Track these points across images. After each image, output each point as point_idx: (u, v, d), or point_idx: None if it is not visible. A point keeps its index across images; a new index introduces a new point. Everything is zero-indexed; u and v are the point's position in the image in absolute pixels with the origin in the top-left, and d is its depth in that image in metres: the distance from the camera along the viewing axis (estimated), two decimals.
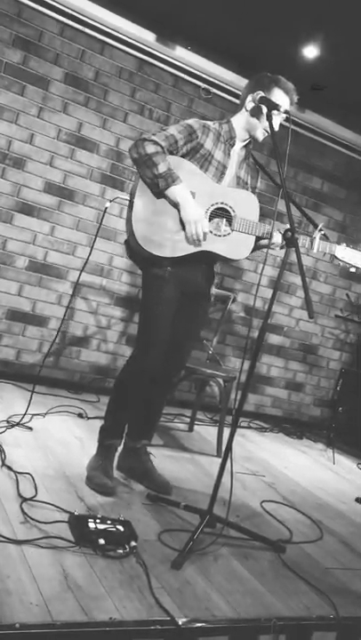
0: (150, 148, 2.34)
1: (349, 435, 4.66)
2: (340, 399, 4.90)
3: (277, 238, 2.44)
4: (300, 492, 3.28)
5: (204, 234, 2.40)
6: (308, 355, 5.09)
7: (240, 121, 2.52)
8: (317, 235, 2.46)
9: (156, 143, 2.36)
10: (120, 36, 3.99)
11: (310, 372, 5.12)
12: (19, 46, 3.79)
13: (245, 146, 2.57)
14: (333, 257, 2.51)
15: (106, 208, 3.51)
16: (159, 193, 2.39)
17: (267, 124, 2.40)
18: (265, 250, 2.51)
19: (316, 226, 2.50)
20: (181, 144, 2.42)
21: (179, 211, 2.40)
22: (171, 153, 2.40)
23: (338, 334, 5.20)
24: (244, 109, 2.50)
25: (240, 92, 2.59)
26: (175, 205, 2.40)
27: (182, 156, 2.44)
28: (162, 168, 2.34)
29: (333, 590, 2.17)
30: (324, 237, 2.52)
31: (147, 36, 4.02)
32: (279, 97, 2.43)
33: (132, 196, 2.44)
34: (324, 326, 5.13)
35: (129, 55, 4.09)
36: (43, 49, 3.86)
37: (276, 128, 2.37)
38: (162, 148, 2.36)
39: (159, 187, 2.36)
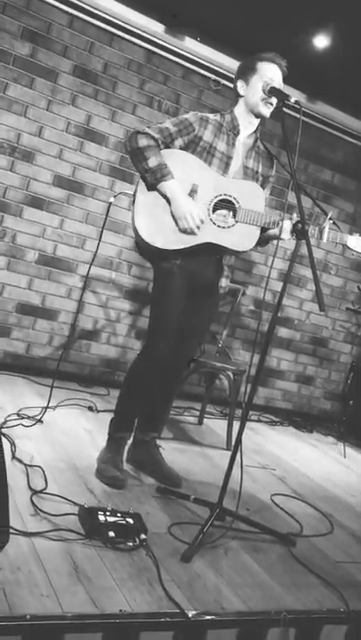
0: (142, 142, 2.33)
1: (360, 428, 4.63)
2: (350, 393, 4.87)
3: (287, 225, 2.36)
4: (310, 485, 3.28)
5: (204, 223, 2.36)
6: (318, 348, 5.06)
7: (240, 107, 2.49)
8: (327, 224, 2.41)
9: (149, 136, 2.34)
10: (129, 27, 3.96)
11: (321, 365, 5.10)
12: (27, 38, 3.78)
13: (254, 132, 2.53)
14: (346, 247, 2.47)
15: (110, 203, 3.49)
16: (150, 187, 2.38)
17: (264, 94, 2.38)
18: (275, 241, 2.49)
19: (326, 214, 2.44)
20: (176, 136, 2.40)
21: (170, 206, 2.38)
22: (166, 146, 2.39)
23: (349, 327, 5.16)
24: (238, 96, 2.49)
25: None
26: (167, 200, 2.38)
27: (181, 149, 2.42)
28: (152, 162, 2.32)
29: (344, 584, 2.16)
30: (335, 227, 2.47)
31: (156, 27, 3.99)
32: (267, 69, 2.41)
33: (136, 190, 2.43)
34: (335, 319, 5.10)
35: (138, 47, 4.06)
36: (51, 41, 3.84)
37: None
38: (155, 140, 2.35)
39: (147, 181, 2.35)
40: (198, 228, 2.37)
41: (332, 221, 2.43)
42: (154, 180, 2.34)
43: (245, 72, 2.45)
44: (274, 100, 2.40)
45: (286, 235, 2.37)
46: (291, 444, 4.10)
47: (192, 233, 2.37)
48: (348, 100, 4.53)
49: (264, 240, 2.58)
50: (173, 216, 2.38)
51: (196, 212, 2.35)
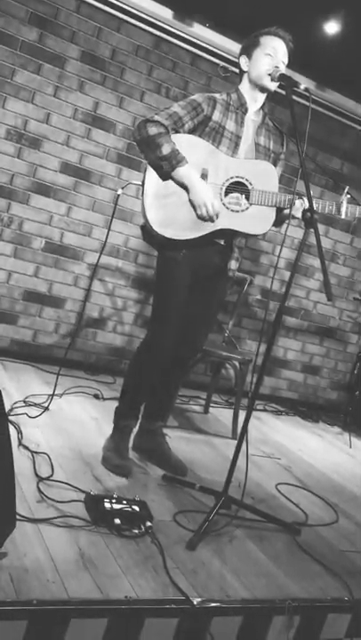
0: (153, 130, 2.29)
1: None
2: (357, 383, 4.86)
3: (298, 204, 2.31)
4: (315, 475, 3.28)
5: (218, 213, 2.33)
6: (325, 338, 5.05)
7: (245, 84, 2.47)
8: (345, 198, 2.34)
9: (158, 123, 2.30)
10: (137, 12, 3.92)
11: (327, 355, 5.08)
12: (35, 24, 3.75)
13: (261, 108, 2.49)
14: None
15: (118, 195, 3.48)
16: (165, 176, 2.34)
17: (266, 66, 2.36)
18: (282, 230, 2.46)
19: (343, 189, 2.38)
20: (187, 120, 2.36)
21: (187, 193, 2.34)
22: (176, 131, 2.35)
23: (356, 317, 5.14)
24: (242, 72, 2.47)
25: None
26: (183, 187, 2.35)
27: (191, 132, 2.39)
28: (165, 150, 2.28)
29: (348, 573, 2.17)
30: (353, 201, 2.39)
31: (164, 13, 3.94)
32: (270, 41, 2.39)
33: (144, 180, 2.40)
34: (343, 309, 5.08)
35: (146, 33, 4.02)
36: (59, 26, 3.81)
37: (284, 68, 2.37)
38: (165, 127, 2.31)
39: (163, 169, 2.31)
40: (217, 216, 2.34)
41: (349, 196, 2.35)
42: (170, 167, 2.29)
43: (248, 47, 2.44)
44: (271, 74, 2.37)
45: (299, 213, 2.29)
46: (296, 434, 4.10)
47: (210, 221, 2.34)
48: (359, 87, 4.47)
49: (279, 221, 2.51)
50: (191, 203, 2.34)
51: (217, 203, 2.32)
